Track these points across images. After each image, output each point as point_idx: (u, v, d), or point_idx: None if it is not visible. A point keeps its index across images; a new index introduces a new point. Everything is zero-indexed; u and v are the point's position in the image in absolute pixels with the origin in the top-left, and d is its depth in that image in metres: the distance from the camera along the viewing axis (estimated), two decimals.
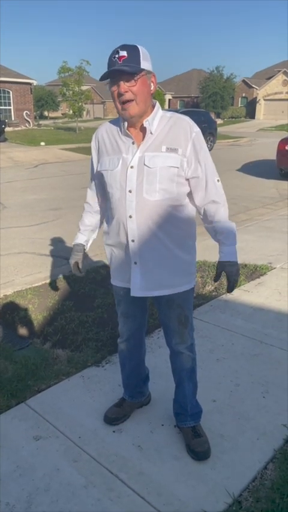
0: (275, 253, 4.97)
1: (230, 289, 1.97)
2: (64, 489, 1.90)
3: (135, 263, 1.88)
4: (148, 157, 1.75)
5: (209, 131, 17.08)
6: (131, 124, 1.77)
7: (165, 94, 45.73)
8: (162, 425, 2.27)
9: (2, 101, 25.58)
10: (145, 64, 1.68)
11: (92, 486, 1.90)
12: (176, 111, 1.73)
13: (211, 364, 2.79)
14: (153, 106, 1.79)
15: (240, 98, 48.52)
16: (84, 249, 2.20)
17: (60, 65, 22.33)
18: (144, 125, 1.75)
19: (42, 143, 19.03)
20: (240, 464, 2.02)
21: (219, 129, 21.33)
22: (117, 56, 1.64)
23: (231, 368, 2.76)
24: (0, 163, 13.75)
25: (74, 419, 2.31)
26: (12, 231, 6.26)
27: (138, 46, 1.68)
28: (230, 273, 1.92)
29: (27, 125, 26.52)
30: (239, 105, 48.43)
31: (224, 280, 4.10)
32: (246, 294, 3.86)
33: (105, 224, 2.01)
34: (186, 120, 1.80)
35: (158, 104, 1.82)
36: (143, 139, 1.77)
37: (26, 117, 26.63)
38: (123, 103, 1.69)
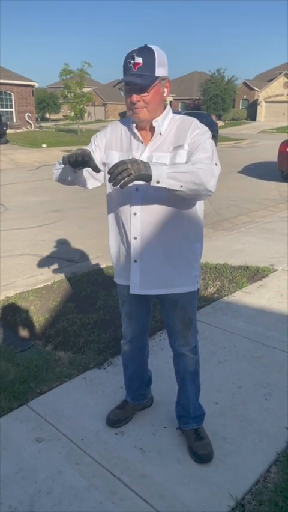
0: (276, 255, 4.97)
1: (111, 168, 1.52)
2: (66, 491, 1.89)
3: (135, 261, 1.89)
4: (156, 157, 1.76)
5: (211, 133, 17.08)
6: (141, 125, 1.79)
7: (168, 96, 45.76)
8: (165, 427, 2.26)
9: (4, 103, 25.63)
10: (160, 71, 1.68)
11: (94, 489, 1.90)
12: (178, 113, 1.74)
13: (213, 366, 2.79)
14: (164, 107, 1.80)
15: (241, 100, 48.56)
16: None
17: (62, 68, 22.44)
18: (154, 125, 1.76)
19: (44, 145, 19.06)
20: (243, 466, 2.01)
21: (220, 131, 21.36)
22: (132, 62, 1.64)
23: (234, 370, 2.75)
24: (2, 165, 13.78)
25: (76, 421, 2.31)
26: (14, 232, 6.26)
27: (155, 51, 1.67)
28: (130, 158, 1.57)
29: (28, 127, 26.57)
30: (240, 107, 48.47)
31: (225, 281, 4.10)
32: (248, 296, 3.86)
33: (109, 221, 2.01)
34: (192, 119, 1.81)
35: (169, 106, 1.83)
36: (151, 139, 1.79)
37: (27, 119, 26.67)
38: (135, 108, 1.71)
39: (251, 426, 2.26)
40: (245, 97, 48.38)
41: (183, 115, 1.86)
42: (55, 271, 4.68)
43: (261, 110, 45.74)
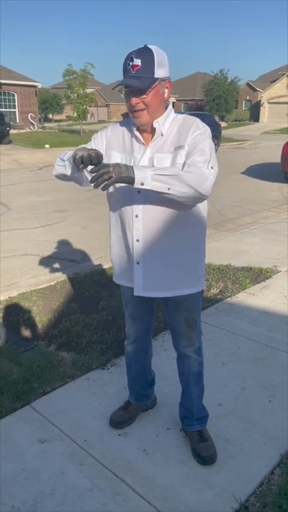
0: (280, 256, 4.96)
1: (93, 169, 1.58)
2: (70, 492, 1.89)
3: (138, 263, 1.88)
4: (157, 158, 1.75)
5: (213, 134, 16.91)
6: (142, 128, 1.78)
7: (170, 97, 45.81)
8: (168, 428, 2.26)
9: (7, 103, 25.68)
10: (160, 72, 1.66)
11: (97, 490, 1.89)
12: (181, 113, 1.73)
13: (216, 368, 2.78)
14: (166, 108, 1.79)
15: (244, 101, 48.53)
16: None
17: (65, 68, 22.48)
18: (154, 126, 1.75)
19: (47, 146, 19.09)
20: (247, 468, 2.00)
21: (223, 132, 21.35)
22: (131, 64, 1.63)
23: (237, 371, 2.74)
24: (5, 165, 13.80)
25: (79, 422, 2.30)
26: (17, 233, 6.27)
27: (154, 51, 1.64)
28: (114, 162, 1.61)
29: (31, 127, 26.61)
30: (243, 108, 48.44)
31: (228, 282, 4.09)
32: (252, 297, 3.85)
33: (110, 222, 2.00)
34: (194, 119, 1.79)
35: (170, 106, 1.82)
36: (152, 140, 1.78)
37: (30, 119, 26.72)
38: (135, 111, 1.70)
39: (255, 428, 2.25)
40: (248, 98, 48.34)
41: (185, 115, 1.84)
42: (58, 271, 4.68)
43: (264, 111, 45.70)
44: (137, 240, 1.85)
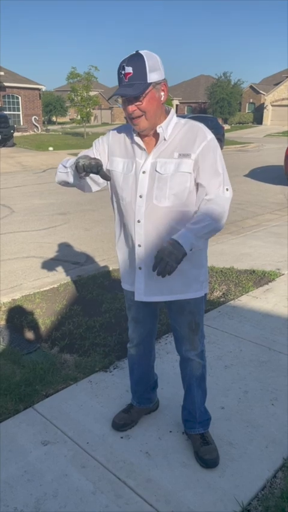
0: (283, 259, 4.95)
1: (153, 267, 1.70)
2: (72, 495, 1.89)
3: (140, 268, 1.88)
4: (160, 163, 1.75)
5: (217, 137, 16.80)
6: (143, 133, 1.77)
7: (173, 100, 45.84)
8: (171, 431, 2.26)
9: (11, 106, 25.78)
10: (153, 76, 1.64)
11: (100, 492, 1.90)
12: (183, 117, 1.72)
13: (219, 371, 2.78)
14: (168, 113, 1.78)
15: (247, 104, 48.54)
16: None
17: (69, 71, 22.56)
18: (158, 131, 1.75)
19: (51, 148, 19.15)
20: (249, 472, 2.00)
21: (226, 135, 21.36)
22: (123, 72, 1.63)
23: (240, 374, 2.74)
24: (9, 168, 13.85)
25: (82, 424, 2.31)
26: (20, 235, 6.29)
27: (145, 57, 1.62)
28: (163, 249, 1.70)
29: (35, 130, 26.70)
30: (247, 111, 48.45)
31: (231, 285, 4.09)
32: (255, 300, 3.84)
33: (115, 227, 2.01)
34: (200, 126, 1.79)
35: (173, 110, 1.81)
36: (155, 145, 1.77)
37: (34, 122, 26.81)
38: (133, 118, 1.70)
39: (257, 432, 2.25)
40: (251, 100, 48.35)
41: (188, 119, 1.82)
42: (61, 273, 4.70)
43: (268, 114, 45.68)
44: (139, 245, 1.85)
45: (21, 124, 26.04)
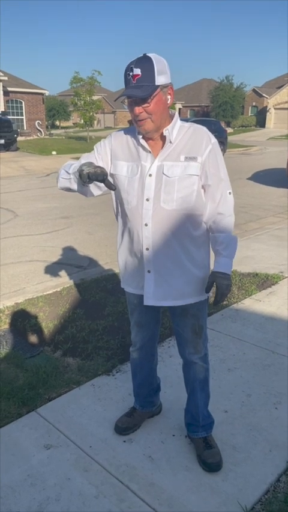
0: (286, 262, 4.94)
1: (216, 302, 1.90)
2: (75, 499, 1.89)
3: (149, 271, 1.88)
4: (167, 166, 1.75)
5: (220, 140, 17.07)
6: (148, 136, 1.77)
7: (176, 103, 45.97)
8: (173, 435, 2.25)
9: (15, 111, 25.92)
10: (161, 79, 1.65)
11: (102, 496, 1.89)
12: (186, 120, 1.73)
13: (222, 374, 2.77)
14: (172, 116, 1.79)
15: (250, 107, 48.58)
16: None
17: (72, 76, 22.69)
18: (164, 134, 1.75)
19: (54, 153, 19.22)
20: (253, 476, 1.99)
21: (229, 138, 21.38)
22: (131, 74, 1.63)
23: (243, 378, 2.73)
24: (13, 172, 13.91)
25: (85, 428, 2.31)
26: (24, 239, 6.31)
27: (153, 59, 1.64)
28: (220, 285, 1.86)
29: (38, 134, 26.82)
30: (249, 114, 48.49)
31: (234, 289, 4.08)
32: (258, 303, 3.84)
33: (118, 231, 2.01)
34: (205, 130, 1.81)
35: (177, 114, 1.82)
36: (162, 147, 1.77)
37: (37, 127, 26.94)
38: (139, 120, 1.70)
39: (261, 435, 2.24)
40: (254, 103, 48.39)
41: (191, 123, 1.83)
42: (64, 277, 4.70)
43: (271, 117, 45.71)
44: (147, 249, 1.85)
45: (25, 128, 26.17)
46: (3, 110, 22.18)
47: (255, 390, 2.61)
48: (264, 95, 47.21)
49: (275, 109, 45.47)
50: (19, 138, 21.32)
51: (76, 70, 35.80)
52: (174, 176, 1.75)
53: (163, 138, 1.77)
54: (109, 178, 1.87)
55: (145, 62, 1.63)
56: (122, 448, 2.17)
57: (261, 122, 46.29)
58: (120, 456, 2.11)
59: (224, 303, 3.82)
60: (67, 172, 1.79)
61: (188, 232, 1.84)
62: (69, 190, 1.85)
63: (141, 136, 1.78)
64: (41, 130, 27.19)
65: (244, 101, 45.23)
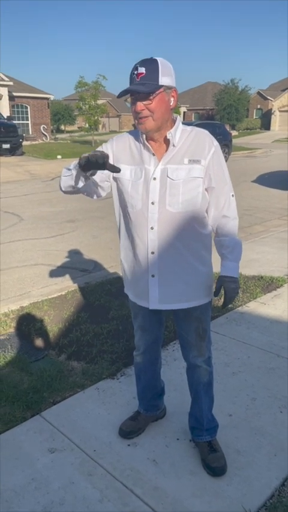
0: None
1: (224, 305, 1.94)
2: (79, 503, 1.88)
3: (153, 276, 1.88)
4: (171, 170, 1.76)
5: (224, 143, 17.11)
6: (152, 137, 1.77)
7: (180, 107, 45.96)
8: (178, 439, 2.25)
9: (20, 115, 26.07)
10: (165, 80, 1.66)
11: (106, 500, 1.89)
12: (191, 123, 1.73)
13: (227, 377, 2.76)
14: (174, 121, 1.79)
15: (255, 110, 48.56)
16: None
17: (77, 80, 22.80)
18: (168, 137, 1.75)
19: (59, 157, 19.29)
20: (257, 480, 1.98)
21: (234, 141, 21.36)
22: (135, 72, 1.65)
23: (248, 381, 2.72)
24: (18, 176, 13.98)
25: (89, 431, 2.31)
26: (29, 242, 6.33)
27: (159, 61, 1.65)
28: (228, 289, 1.87)
29: (44, 139, 26.95)
30: (254, 117, 48.45)
31: (239, 292, 4.07)
32: (263, 306, 3.82)
33: (121, 237, 2.00)
34: (207, 133, 1.82)
35: (179, 118, 1.82)
36: (166, 151, 1.77)
37: (43, 131, 27.07)
38: (140, 118, 1.71)
39: (266, 439, 2.23)
40: (258, 106, 48.36)
41: (193, 127, 1.83)
42: (69, 281, 4.72)
43: (275, 120, 45.64)
44: (152, 252, 1.84)
45: (30, 133, 26.31)
46: (8, 115, 22.30)
47: (260, 393, 2.60)
48: (269, 97, 47.16)
49: (279, 111, 45.39)
50: (24, 142, 21.43)
51: (81, 75, 36.02)
52: (178, 179, 1.75)
53: (166, 141, 1.78)
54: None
55: (150, 63, 1.66)
56: (126, 451, 2.17)
57: (266, 124, 46.23)
58: (124, 460, 2.11)
59: (229, 306, 3.81)
60: (68, 169, 1.78)
61: (194, 234, 1.84)
62: (72, 189, 1.80)
63: (145, 137, 1.77)
64: (46, 134, 27.32)
65: (249, 104, 45.25)
